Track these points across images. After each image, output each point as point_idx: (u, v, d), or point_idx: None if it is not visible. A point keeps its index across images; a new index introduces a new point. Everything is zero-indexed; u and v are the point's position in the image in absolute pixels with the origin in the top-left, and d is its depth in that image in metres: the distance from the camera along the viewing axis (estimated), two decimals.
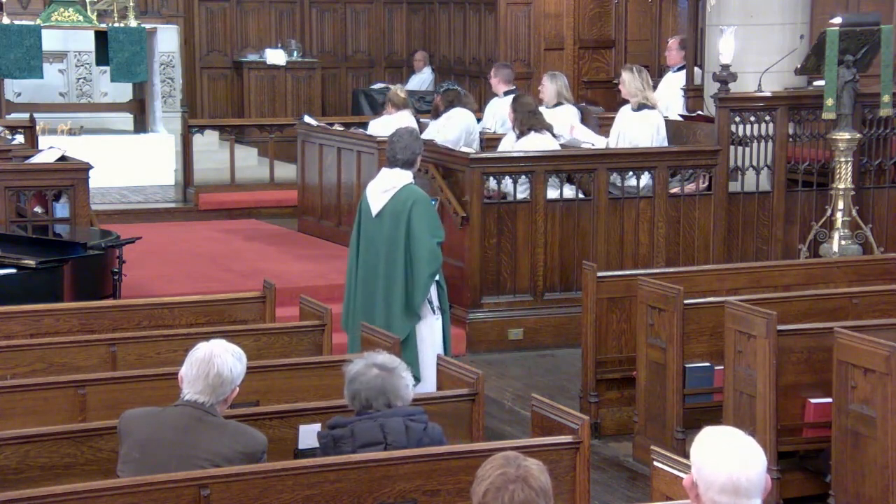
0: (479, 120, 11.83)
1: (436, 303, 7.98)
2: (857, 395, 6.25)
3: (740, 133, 10.42)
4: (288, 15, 18.72)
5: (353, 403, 5.24)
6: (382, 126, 12.02)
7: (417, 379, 7.42)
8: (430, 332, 7.97)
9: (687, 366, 7.44)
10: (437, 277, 7.95)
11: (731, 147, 10.44)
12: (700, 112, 11.42)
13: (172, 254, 11.62)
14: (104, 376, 6.15)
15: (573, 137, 10.94)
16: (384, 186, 8.01)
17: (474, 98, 13.81)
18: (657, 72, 13.96)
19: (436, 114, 11.78)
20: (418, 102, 16.72)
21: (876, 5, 12.04)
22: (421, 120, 12.29)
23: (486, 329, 9.88)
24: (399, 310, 7.86)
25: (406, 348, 7.61)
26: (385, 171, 8.10)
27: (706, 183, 10.57)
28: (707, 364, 7.48)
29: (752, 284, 8.16)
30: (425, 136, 11.27)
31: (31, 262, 8.02)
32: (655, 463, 4.91)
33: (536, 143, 10.25)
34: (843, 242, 9.95)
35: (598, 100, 15.84)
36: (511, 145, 10.51)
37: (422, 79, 18.53)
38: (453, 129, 11.44)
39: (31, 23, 14.71)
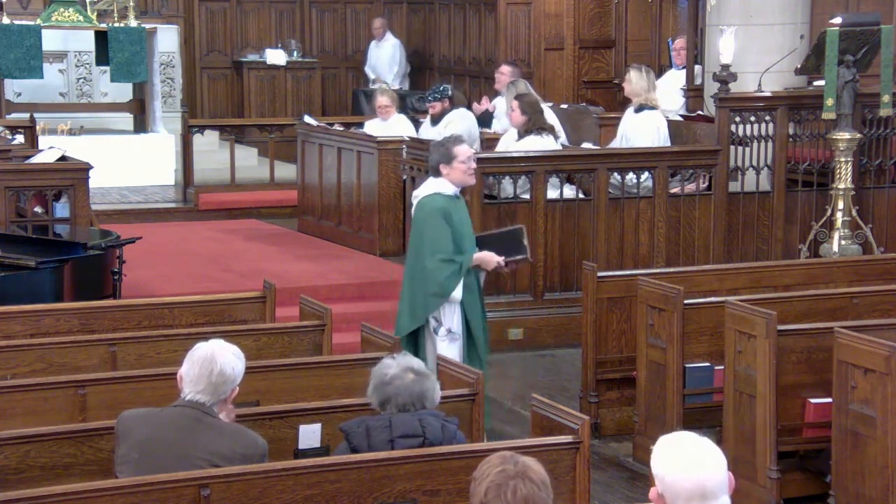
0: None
1: (454, 327, 7.46)
2: (857, 395, 6.25)
3: (740, 133, 10.42)
4: (288, 15, 18.71)
5: (382, 406, 5.17)
6: (377, 128, 11.97)
7: None
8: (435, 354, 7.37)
9: (687, 366, 7.44)
10: (456, 299, 7.41)
11: (731, 147, 10.44)
12: (700, 112, 11.42)
13: (172, 254, 11.61)
14: (104, 376, 6.15)
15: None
16: (415, 195, 7.70)
17: (474, 98, 13.80)
18: (657, 72, 13.94)
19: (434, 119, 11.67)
20: (418, 102, 16.70)
21: (876, 5, 12.03)
22: (420, 120, 12.27)
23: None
24: (403, 309, 7.56)
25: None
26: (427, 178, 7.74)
27: (706, 183, 10.57)
28: (707, 364, 7.48)
29: (752, 284, 8.15)
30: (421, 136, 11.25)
31: (31, 262, 8.02)
32: None
33: (536, 144, 10.24)
34: (843, 242, 9.95)
35: (598, 100, 15.85)
36: (511, 145, 10.48)
37: (388, 49, 17.95)
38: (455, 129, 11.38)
39: (31, 23, 14.71)
